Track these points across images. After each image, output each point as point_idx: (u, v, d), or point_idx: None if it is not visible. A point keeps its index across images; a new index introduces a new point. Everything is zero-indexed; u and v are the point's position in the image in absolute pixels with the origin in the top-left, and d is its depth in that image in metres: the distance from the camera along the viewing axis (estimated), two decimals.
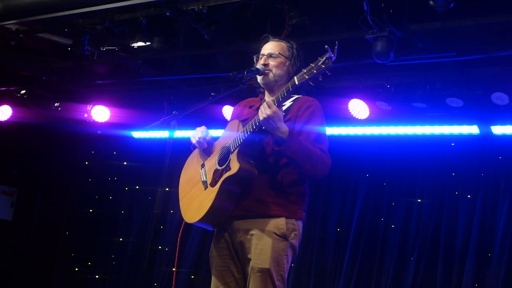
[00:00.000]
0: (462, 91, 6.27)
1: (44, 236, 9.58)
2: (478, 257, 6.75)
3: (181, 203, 4.01)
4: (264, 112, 3.55)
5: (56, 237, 9.55)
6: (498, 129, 6.64)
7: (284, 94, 3.59)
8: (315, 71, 3.49)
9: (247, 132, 3.68)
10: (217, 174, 3.77)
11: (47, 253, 9.53)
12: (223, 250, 3.86)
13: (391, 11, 5.13)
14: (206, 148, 3.97)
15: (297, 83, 3.53)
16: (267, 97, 3.92)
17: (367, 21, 5.10)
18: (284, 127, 3.58)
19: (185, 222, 3.95)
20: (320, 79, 3.52)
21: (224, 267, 3.85)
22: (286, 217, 3.73)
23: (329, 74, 3.50)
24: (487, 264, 6.71)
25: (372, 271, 7.32)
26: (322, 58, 3.48)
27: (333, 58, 3.47)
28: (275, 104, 3.59)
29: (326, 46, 3.49)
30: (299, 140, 3.63)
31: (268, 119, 3.55)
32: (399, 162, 7.38)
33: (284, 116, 3.73)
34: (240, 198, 3.74)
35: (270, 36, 4.03)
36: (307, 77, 3.50)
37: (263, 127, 3.63)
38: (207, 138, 3.97)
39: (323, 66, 3.47)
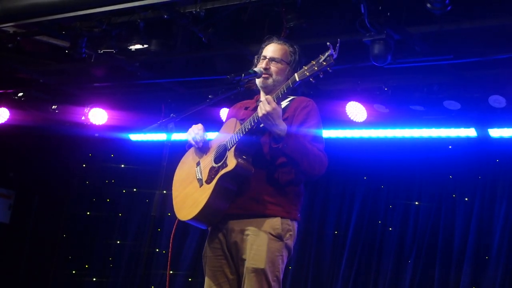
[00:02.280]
0: (460, 94, 6.28)
1: (41, 238, 9.57)
2: (475, 260, 6.76)
3: (174, 202, 3.99)
4: (263, 108, 3.55)
5: (54, 239, 9.54)
6: (495, 132, 6.65)
7: (284, 91, 3.60)
8: (316, 68, 3.49)
9: (245, 130, 3.68)
10: (213, 172, 3.76)
11: (45, 255, 9.53)
12: (217, 251, 3.84)
13: (388, 14, 5.13)
14: (202, 146, 3.96)
15: (297, 79, 3.54)
16: (263, 99, 3.92)
17: (364, 24, 5.10)
18: (283, 125, 3.58)
19: (178, 222, 3.93)
20: (321, 76, 3.51)
21: (218, 268, 3.84)
22: (282, 217, 3.73)
23: (330, 71, 3.50)
24: (484, 267, 6.72)
25: (370, 274, 7.32)
26: (324, 55, 3.49)
27: (335, 56, 3.48)
28: (274, 101, 3.58)
29: (328, 43, 3.49)
30: (297, 138, 3.62)
31: (267, 115, 3.54)
32: (396, 165, 7.38)
33: (282, 115, 3.74)
34: (235, 196, 3.73)
35: (275, 38, 4.01)
36: (308, 73, 3.51)
37: (261, 125, 3.62)
38: (203, 136, 3.96)
39: (325, 63, 3.48)
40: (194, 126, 4.00)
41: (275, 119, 3.55)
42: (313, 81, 3.57)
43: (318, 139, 3.76)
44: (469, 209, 6.97)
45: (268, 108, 3.53)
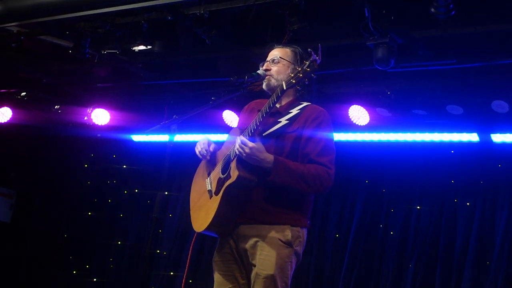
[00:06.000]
0: (462, 98, 6.28)
1: (42, 238, 9.57)
2: (476, 265, 6.74)
3: (191, 212, 4.04)
4: (243, 152, 3.59)
5: (54, 239, 9.54)
6: (498, 137, 6.64)
7: (274, 100, 3.63)
8: (301, 75, 3.53)
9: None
10: (220, 183, 3.79)
11: (45, 255, 9.52)
12: (227, 256, 3.86)
13: (392, 18, 5.14)
14: (211, 158, 3.99)
15: (285, 88, 3.58)
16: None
17: (368, 28, 5.11)
18: (268, 156, 3.61)
19: (196, 233, 3.96)
20: (306, 82, 3.56)
21: (228, 272, 3.86)
22: (291, 225, 3.74)
23: (314, 77, 3.55)
24: (485, 272, 6.70)
25: (371, 278, 7.31)
26: (307, 61, 3.53)
27: (318, 61, 3.52)
28: (263, 115, 3.63)
29: (309, 50, 3.54)
30: (286, 164, 3.64)
31: (248, 156, 3.59)
32: (398, 169, 7.38)
33: (290, 124, 3.77)
34: (244, 206, 3.74)
35: (275, 44, 4.06)
36: (294, 81, 3.55)
37: (264, 133, 3.67)
38: (210, 149, 3.97)
39: (308, 69, 3.52)
40: (200, 141, 4.02)
41: (258, 155, 3.60)
42: (300, 88, 3.66)
43: (326, 152, 3.75)
44: (470, 214, 6.96)
45: (247, 150, 3.59)
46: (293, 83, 3.54)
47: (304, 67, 3.52)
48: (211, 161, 4.00)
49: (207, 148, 3.96)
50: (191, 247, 4.14)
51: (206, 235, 3.98)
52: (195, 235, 3.99)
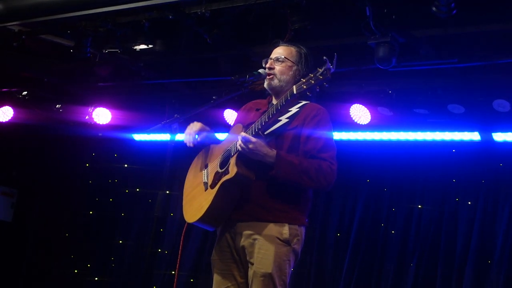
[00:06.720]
0: (464, 97, 6.28)
1: (43, 237, 9.58)
2: (477, 264, 6.75)
3: (183, 202, 4.04)
4: (246, 147, 3.59)
5: (56, 238, 9.54)
6: (499, 136, 6.64)
7: (283, 103, 3.62)
8: (313, 82, 3.51)
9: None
10: (217, 177, 3.79)
11: (47, 254, 9.53)
12: (226, 254, 3.86)
13: (393, 17, 5.13)
14: (210, 149, 3.98)
15: (295, 92, 3.56)
16: (274, 101, 3.93)
17: (369, 27, 5.11)
18: (270, 151, 3.62)
19: (187, 224, 3.96)
20: (317, 90, 3.54)
21: (226, 271, 3.86)
22: (289, 223, 3.74)
23: (326, 85, 3.53)
24: (487, 271, 6.71)
25: (372, 277, 7.32)
26: (321, 69, 3.51)
27: (332, 70, 3.50)
28: (270, 116, 3.63)
29: (324, 58, 3.51)
30: (289, 159, 3.65)
31: (252, 151, 3.59)
32: (400, 168, 7.38)
33: (290, 122, 3.76)
34: (241, 202, 3.74)
35: (281, 41, 4.04)
36: (305, 87, 3.52)
37: (265, 132, 3.67)
38: (192, 139, 3.97)
39: (321, 77, 3.50)
40: (189, 126, 4.02)
41: (261, 150, 3.61)
42: (310, 95, 3.64)
43: (327, 148, 3.76)
44: (472, 213, 6.96)
45: (251, 146, 3.59)
46: (304, 89, 3.52)
47: (317, 75, 3.50)
48: (212, 152, 4.00)
49: (189, 138, 3.96)
50: (182, 237, 4.14)
51: (206, 230, 3.98)
52: (186, 224, 3.99)
